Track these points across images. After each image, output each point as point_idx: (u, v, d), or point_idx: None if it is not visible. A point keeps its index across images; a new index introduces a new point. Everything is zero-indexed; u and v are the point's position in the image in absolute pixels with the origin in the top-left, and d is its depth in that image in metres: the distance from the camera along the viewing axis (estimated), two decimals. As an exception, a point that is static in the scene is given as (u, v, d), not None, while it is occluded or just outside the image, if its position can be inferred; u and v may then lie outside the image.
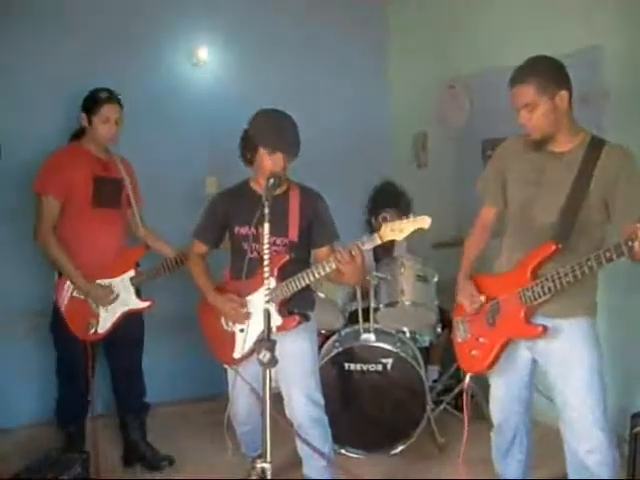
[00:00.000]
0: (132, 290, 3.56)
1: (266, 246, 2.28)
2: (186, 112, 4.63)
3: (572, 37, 3.70)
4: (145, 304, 3.62)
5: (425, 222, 2.57)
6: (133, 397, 3.81)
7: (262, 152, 2.88)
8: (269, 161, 2.87)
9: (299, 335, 3.05)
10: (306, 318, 3.10)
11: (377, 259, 4.50)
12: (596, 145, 2.56)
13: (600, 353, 2.68)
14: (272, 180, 2.58)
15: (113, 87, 3.99)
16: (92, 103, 3.53)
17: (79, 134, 3.64)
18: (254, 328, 3.01)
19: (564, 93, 2.53)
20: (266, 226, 2.33)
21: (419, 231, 2.60)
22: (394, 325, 4.06)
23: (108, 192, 3.59)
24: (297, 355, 3.05)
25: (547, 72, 2.53)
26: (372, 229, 4.05)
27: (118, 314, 3.53)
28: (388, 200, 4.39)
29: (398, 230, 2.60)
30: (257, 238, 2.89)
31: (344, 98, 5.17)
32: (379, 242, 2.66)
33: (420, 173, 5.23)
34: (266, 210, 2.38)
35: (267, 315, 2.28)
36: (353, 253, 2.67)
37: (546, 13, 3.97)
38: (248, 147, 2.92)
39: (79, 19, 4.28)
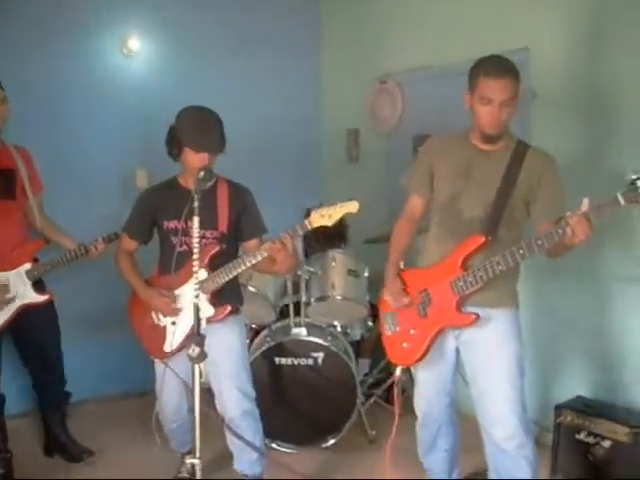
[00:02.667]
0: (28, 284, 3.45)
1: (196, 239, 2.33)
2: (118, 103, 4.53)
3: (500, 38, 3.77)
4: (43, 297, 3.51)
5: (353, 207, 2.64)
6: (52, 389, 3.76)
7: (187, 150, 2.92)
8: (194, 158, 2.90)
9: (229, 328, 3.10)
10: (237, 309, 3.16)
11: (307, 255, 4.50)
12: (521, 148, 2.66)
13: (522, 343, 2.77)
14: (202, 173, 2.56)
15: (42, 77, 3.88)
16: None
17: None
18: (185, 321, 3.05)
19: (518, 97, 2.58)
20: (196, 219, 2.37)
21: (348, 215, 2.67)
22: (325, 319, 4.08)
23: None
24: (227, 348, 3.08)
25: (519, 73, 2.57)
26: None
27: (13, 309, 3.42)
28: None
29: (327, 215, 2.67)
30: (187, 232, 2.92)
31: (277, 91, 5.17)
32: (309, 228, 2.73)
33: (352, 168, 5.27)
34: (196, 203, 2.40)
35: (196, 310, 2.33)
36: (284, 240, 2.73)
37: (476, 14, 4.05)
38: (174, 144, 2.95)
39: (4, 9, 4.13)
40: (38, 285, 3.51)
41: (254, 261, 2.87)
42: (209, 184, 2.70)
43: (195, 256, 2.31)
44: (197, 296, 2.33)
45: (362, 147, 5.21)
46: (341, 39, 5.26)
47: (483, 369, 2.73)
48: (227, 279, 2.96)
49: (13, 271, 3.44)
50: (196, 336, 2.22)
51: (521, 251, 2.45)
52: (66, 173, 3.95)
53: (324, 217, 2.67)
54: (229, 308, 3.05)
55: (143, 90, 4.63)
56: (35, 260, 3.52)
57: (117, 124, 4.54)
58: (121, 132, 4.55)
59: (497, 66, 2.54)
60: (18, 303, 3.43)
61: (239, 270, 2.93)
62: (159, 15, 4.68)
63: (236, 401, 3.07)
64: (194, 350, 2.17)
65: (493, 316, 2.69)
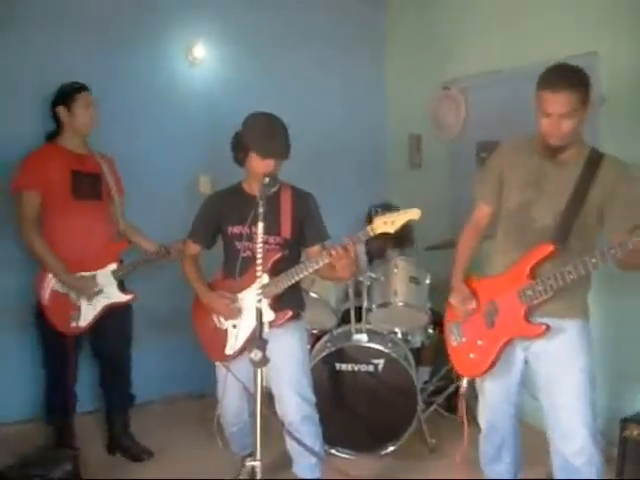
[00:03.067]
0: (114, 283, 3.57)
1: (259, 244, 2.37)
2: (182, 110, 4.59)
3: (568, 43, 3.69)
4: (127, 297, 3.63)
5: (415, 214, 2.62)
6: (118, 390, 3.84)
7: (253, 156, 2.93)
8: (260, 165, 2.92)
9: (290, 333, 3.10)
10: (298, 315, 3.17)
11: (371, 261, 4.50)
12: (596, 157, 2.59)
13: (592, 356, 2.70)
14: (267, 179, 2.61)
15: (107, 83, 3.98)
16: (69, 92, 3.61)
17: (53, 135, 3.69)
18: (246, 324, 3.07)
19: (589, 105, 2.52)
20: (260, 225, 2.41)
21: (410, 222, 2.66)
22: (386, 326, 4.05)
23: (86, 185, 3.60)
24: (288, 354, 3.08)
25: (587, 82, 2.50)
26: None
27: (100, 307, 3.53)
28: None
29: (390, 222, 2.65)
30: (251, 237, 2.94)
31: (342, 96, 5.15)
32: (371, 234, 2.69)
33: (415, 173, 5.23)
34: (261, 209, 2.44)
35: (259, 313, 2.36)
36: (347, 247, 2.71)
37: (541, 19, 3.96)
38: (240, 150, 2.97)
39: (69, 12, 4.14)
40: (121, 286, 3.63)
41: (316, 267, 2.87)
42: (273, 190, 2.71)
43: (258, 261, 2.36)
44: (259, 300, 2.36)
45: (425, 153, 5.17)
46: (406, 44, 5.23)
47: (554, 382, 2.67)
48: (289, 284, 2.97)
49: (101, 270, 3.55)
50: (258, 340, 2.22)
51: (594, 260, 2.37)
52: (131, 178, 4.01)
53: (387, 224, 2.66)
54: (290, 313, 3.06)
55: (207, 96, 4.68)
56: (120, 261, 3.64)
57: (181, 130, 4.57)
58: (185, 138, 4.60)
59: (557, 78, 2.47)
60: (105, 302, 3.54)
61: (301, 276, 2.94)
62: (225, 22, 4.71)
63: (296, 406, 3.06)
64: (256, 354, 2.18)
65: (563, 327, 2.64)
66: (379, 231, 2.69)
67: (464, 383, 2.91)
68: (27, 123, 3.93)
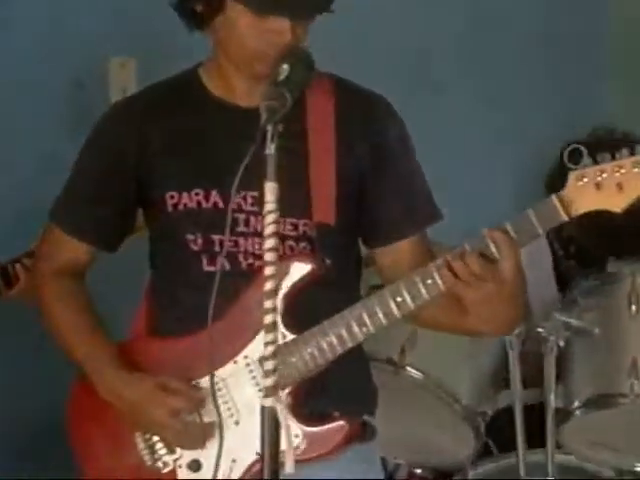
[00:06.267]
0: None
1: (270, 242, 1.08)
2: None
3: None
4: None
5: None
6: None
7: (237, 9, 1.42)
8: (255, 31, 1.42)
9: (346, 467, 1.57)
10: (365, 429, 1.55)
11: (564, 285, 2.63)
12: None
13: None
14: (286, 67, 1.26)
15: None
16: None
17: None
18: (229, 458, 1.51)
19: None
20: (270, 186, 1.09)
21: None
22: (597, 453, 2.25)
23: None
24: None
25: None
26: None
27: None
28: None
29: (613, 186, 1.25)
30: (234, 221, 1.43)
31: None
32: (563, 218, 1.28)
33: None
34: (270, 149, 1.11)
35: (271, 421, 1.09)
36: (493, 250, 1.30)
37: None
38: None
39: None
40: None
41: (412, 306, 1.38)
42: (294, 95, 1.27)
43: (267, 285, 1.08)
44: (267, 394, 1.08)
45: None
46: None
47: None
48: (341, 351, 1.45)
49: None
50: None
51: None
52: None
53: (602, 189, 1.24)
54: (344, 426, 1.46)
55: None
56: None
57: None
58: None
59: None
60: None
61: (371, 328, 1.40)
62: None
63: None
64: None
65: None
66: (584, 208, 1.28)
67: None
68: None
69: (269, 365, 1.06)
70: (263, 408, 1.07)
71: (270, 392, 1.06)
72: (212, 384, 1.43)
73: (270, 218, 1.07)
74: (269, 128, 1.12)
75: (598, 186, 1.25)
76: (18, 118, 2.69)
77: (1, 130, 2.67)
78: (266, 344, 1.06)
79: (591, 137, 2.55)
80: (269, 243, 1.07)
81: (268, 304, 1.06)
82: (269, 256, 1.07)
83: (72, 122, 2.60)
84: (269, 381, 1.06)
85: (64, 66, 2.76)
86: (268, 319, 1.06)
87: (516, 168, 3.18)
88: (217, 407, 1.48)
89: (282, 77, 1.27)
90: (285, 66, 1.27)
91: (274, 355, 1.08)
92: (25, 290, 2.06)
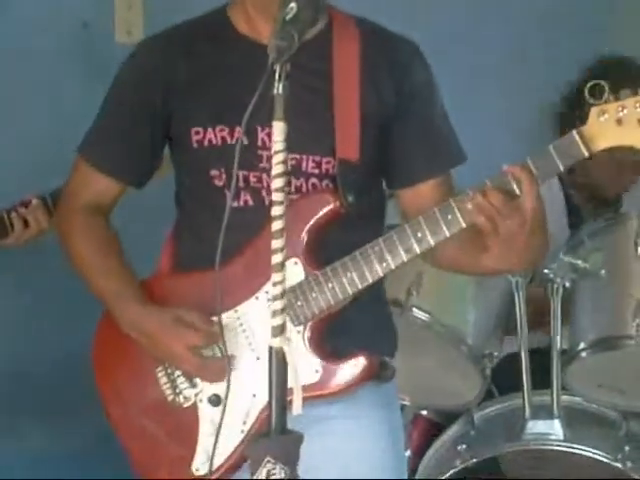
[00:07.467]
0: None
1: (278, 180, 1.05)
2: None
3: None
4: None
5: None
6: None
7: None
8: None
9: (366, 415, 1.55)
10: (383, 367, 1.58)
11: (575, 225, 2.57)
12: None
13: None
14: (293, 4, 1.19)
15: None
16: None
17: None
18: (246, 394, 1.53)
19: None
20: (278, 125, 1.05)
21: None
22: (603, 395, 2.24)
23: None
24: (360, 458, 1.54)
25: None
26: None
27: None
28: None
29: (635, 120, 1.24)
30: (251, 158, 1.46)
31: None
32: (584, 154, 1.28)
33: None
34: (279, 90, 1.07)
35: (281, 359, 1.07)
36: (513, 186, 1.31)
37: None
38: None
39: None
40: None
41: (432, 243, 1.39)
42: (313, 31, 1.30)
43: (276, 225, 1.05)
44: (279, 331, 1.04)
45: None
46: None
47: None
48: (358, 288, 1.47)
49: None
50: (278, 438, 1.00)
51: None
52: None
53: (626, 124, 1.24)
54: (363, 362, 1.49)
55: None
56: None
57: None
58: None
59: None
60: None
61: (391, 264, 1.44)
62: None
63: None
64: (274, 470, 0.98)
65: None
66: (606, 144, 1.27)
67: None
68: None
69: (277, 305, 1.05)
70: (271, 348, 1.05)
71: (277, 332, 1.06)
72: (219, 321, 1.43)
73: (278, 158, 1.05)
74: (277, 67, 1.09)
75: (619, 122, 1.24)
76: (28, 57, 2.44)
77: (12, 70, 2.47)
78: (274, 284, 1.06)
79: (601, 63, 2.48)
80: (277, 182, 1.05)
81: (277, 244, 1.05)
82: (277, 196, 1.05)
83: (78, 62, 2.46)
84: (277, 320, 1.05)
85: (70, 6, 2.57)
86: (276, 259, 1.06)
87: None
88: (233, 343, 1.51)
89: (290, 16, 1.22)
90: (292, 5, 1.22)
91: (282, 295, 1.07)
92: (39, 232, 2.01)
